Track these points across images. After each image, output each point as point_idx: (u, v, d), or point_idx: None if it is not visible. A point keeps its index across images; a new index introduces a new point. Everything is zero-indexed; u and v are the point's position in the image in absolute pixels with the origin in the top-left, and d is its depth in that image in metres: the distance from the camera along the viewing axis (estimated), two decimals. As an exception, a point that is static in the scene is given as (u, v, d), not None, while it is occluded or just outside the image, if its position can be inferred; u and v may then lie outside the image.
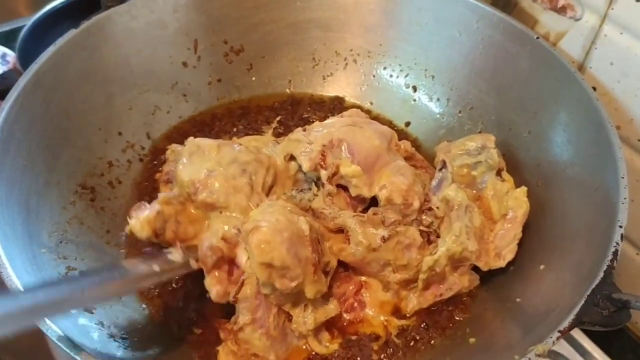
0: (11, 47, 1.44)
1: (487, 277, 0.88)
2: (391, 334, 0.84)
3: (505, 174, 0.92)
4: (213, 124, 1.10)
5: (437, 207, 0.87)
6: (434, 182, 0.91)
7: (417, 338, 0.84)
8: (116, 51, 1.00)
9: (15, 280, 0.67)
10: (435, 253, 0.83)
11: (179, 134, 1.06)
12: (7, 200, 0.77)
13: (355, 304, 0.86)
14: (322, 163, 0.86)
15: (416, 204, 0.86)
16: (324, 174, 0.85)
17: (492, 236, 0.87)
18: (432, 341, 0.83)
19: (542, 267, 0.81)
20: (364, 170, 0.85)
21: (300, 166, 0.88)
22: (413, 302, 0.85)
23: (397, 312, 0.86)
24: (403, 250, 0.84)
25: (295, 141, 0.89)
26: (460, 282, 0.85)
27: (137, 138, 1.03)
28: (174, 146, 0.96)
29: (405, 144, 1.00)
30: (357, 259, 0.84)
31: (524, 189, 0.89)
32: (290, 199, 0.88)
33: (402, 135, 1.09)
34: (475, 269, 0.86)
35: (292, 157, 0.90)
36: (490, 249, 0.86)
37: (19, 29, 1.42)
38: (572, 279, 0.73)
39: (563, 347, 0.94)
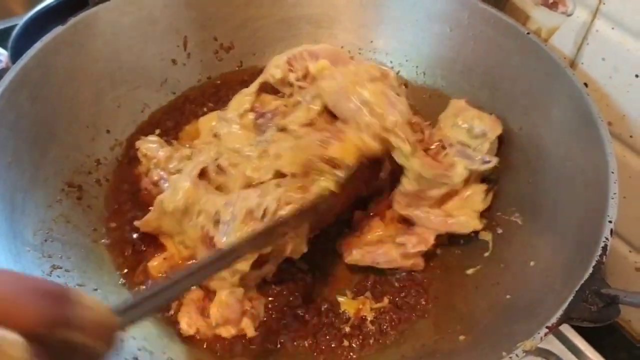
0: (4, 46, 1.43)
1: (478, 274, 0.87)
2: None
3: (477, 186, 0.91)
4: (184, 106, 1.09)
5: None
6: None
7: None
8: (105, 48, 0.99)
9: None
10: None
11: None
12: (-8, 198, 0.77)
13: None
14: (290, 69, 0.94)
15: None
16: (293, 76, 0.91)
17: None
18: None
19: (532, 263, 0.80)
20: (332, 63, 0.93)
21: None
22: None
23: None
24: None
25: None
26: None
27: (126, 136, 1.02)
28: (145, 148, 0.95)
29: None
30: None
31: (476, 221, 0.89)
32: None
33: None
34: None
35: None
36: None
37: (11, 28, 1.41)
38: (562, 275, 0.72)
39: (555, 346, 0.94)
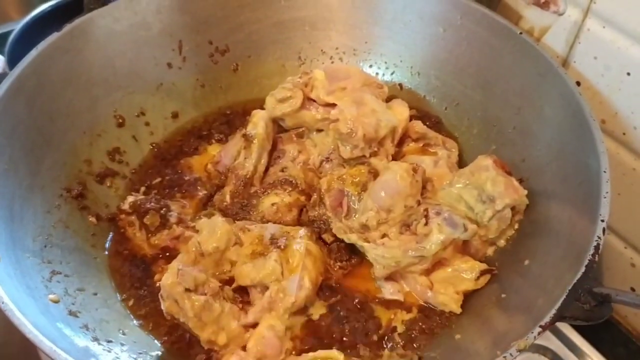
0: (0, 51, 1.44)
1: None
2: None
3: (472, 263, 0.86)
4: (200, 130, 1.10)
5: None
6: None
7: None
8: (100, 54, 1.00)
9: (-3, 285, 0.67)
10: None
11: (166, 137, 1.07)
12: (-10, 205, 0.77)
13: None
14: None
15: (360, 133, 0.92)
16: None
17: None
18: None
19: (526, 262, 0.81)
20: (328, 78, 0.99)
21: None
22: None
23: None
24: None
25: None
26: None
27: (123, 141, 1.02)
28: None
29: (417, 124, 1.02)
30: None
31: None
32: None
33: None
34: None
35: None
36: None
37: (8, 33, 1.42)
38: (555, 274, 0.73)
39: (552, 342, 0.94)
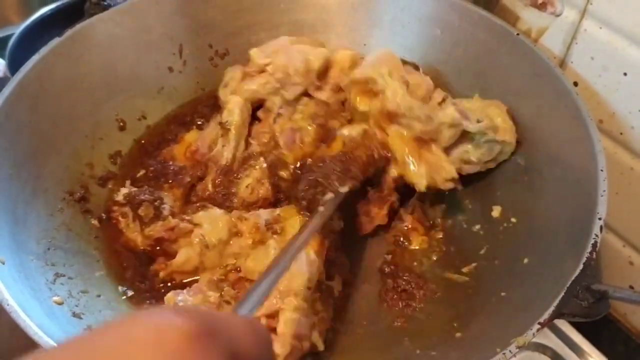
0: (1, 55, 1.44)
1: (474, 271, 0.89)
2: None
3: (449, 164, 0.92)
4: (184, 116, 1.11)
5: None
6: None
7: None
8: (101, 58, 1.01)
9: (3, 289, 0.68)
10: None
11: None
12: (-6, 209, 0.78)
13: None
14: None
15: (292, 71, 0.99)
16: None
17: None
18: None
19: (525, 260, 0.82)
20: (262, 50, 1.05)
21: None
22: None
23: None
24: None
25: None
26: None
27: (124, 144, 1.03)
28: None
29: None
30: None
31: None
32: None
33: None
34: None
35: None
36: None
37: (8, 37, 1.42)
38: (553, 272, 0.74)
39: (551, 340, 0.95)
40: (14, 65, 1.33)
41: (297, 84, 1.00)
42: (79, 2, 1.45)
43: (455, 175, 0.90)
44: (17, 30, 1.41)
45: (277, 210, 0.90)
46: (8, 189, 0.82)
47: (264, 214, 0.89)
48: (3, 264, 0.72)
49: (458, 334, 0.80)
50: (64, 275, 0.82)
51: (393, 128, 0.91)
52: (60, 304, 0.77)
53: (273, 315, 0.80)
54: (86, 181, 0.96)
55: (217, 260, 0.86)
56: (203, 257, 0.85)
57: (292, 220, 0.88)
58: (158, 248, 0.90)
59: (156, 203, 0.92)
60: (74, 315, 0.77)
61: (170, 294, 0.81)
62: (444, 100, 0.94)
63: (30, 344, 0.93)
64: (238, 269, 0.86)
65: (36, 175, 0.88)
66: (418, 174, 0.89)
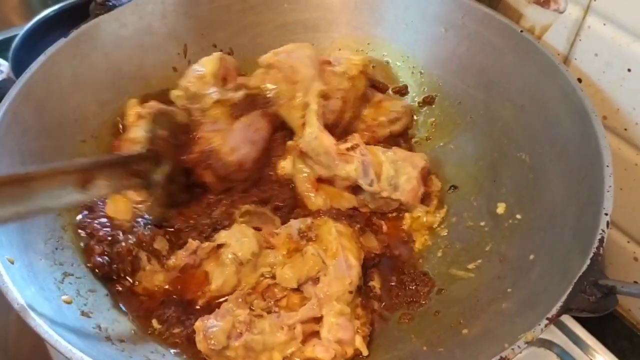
0: (4, 57, 1.45)
1: (480, 269, 0.89)
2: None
3: None
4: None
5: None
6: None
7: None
8: (106, 59, 1.02)
9: (12, 288, 0.68)
10: None
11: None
12: (2, 209, 0.78)
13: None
14: None
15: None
16: None
17: None
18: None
19: (532, 257, 0.82)
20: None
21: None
22: None
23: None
24: None
25: None
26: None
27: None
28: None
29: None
30: None
31: None
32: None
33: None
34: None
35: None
36: None
37: (11, 38, 1.43)
38: (560, 268, 0.74)
39: (557, 336, 0.96)
40: (17, 67, 1.33)
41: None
42: (81, 3, 1.46)
43: (355, 204, 0.99)
44: (20, 31, 1.41)
45: (309, 219, 0.91)
46: (16, 189, 0.82)
47: (296, 224, 0.90)
48: (12, 263, 0.73)
49: (465, 331, 0.80)
50: (72, 275, 0.83)
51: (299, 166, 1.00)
52: (69, 302, 0.77)
53: (317, 321, 0.81)
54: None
55: (253, 273, 0.87)
56: (239, 275, 0.86)
57: (327, 227, 0.89)
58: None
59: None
60: (83, 314, 0.77)
61: (199, 322, 0.80)
62: (353, 147, 0.97)
63: (38, 344, 0.95)
64: (273, 275, 0.86)
65: (43, 176, 0.88)
66: (314, 203, 0.98)
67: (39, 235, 0.83)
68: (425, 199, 1.00)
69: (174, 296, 0.87)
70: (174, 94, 1.02)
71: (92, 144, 0.98)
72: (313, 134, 0.96)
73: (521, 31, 0.96)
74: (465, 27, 1.04)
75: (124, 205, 0.92)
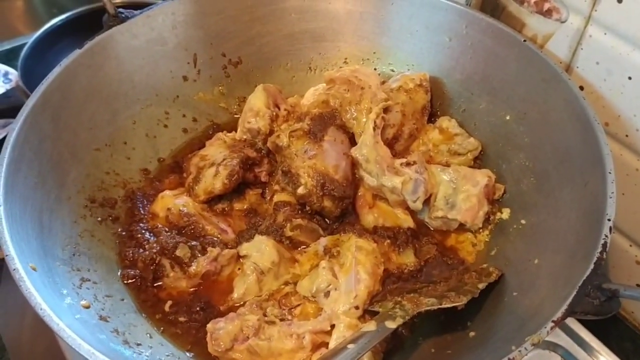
0: (13, 66, 1.47)
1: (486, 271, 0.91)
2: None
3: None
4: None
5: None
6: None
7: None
8: (119, 68, 1.04)
9: (34, 293, 0.70)
10: None
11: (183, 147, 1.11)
12: (21, 217, 0.81)
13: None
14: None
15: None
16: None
17: None
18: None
19: (536, 261, 0.84)
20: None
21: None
22: None
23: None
24: None
25: None
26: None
27: (142, 151, 1.06)
28: None
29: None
30: None
31: None
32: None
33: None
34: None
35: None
36: None
37: (20, 47, 1.46)
38: (564, 272, 0.76)
39: (562, 338, 0.97)
40: (26, 75, 1.36)
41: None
42: (87, 13, 1.49)
43: (411, 225, 0.99)
44: (29, 41, 1.44)
45: (336, 236, 0.95)
46: (34, 197, 0.85)
47: (323, 241, 0.93)
48: (35, 270, 0.75)
49: (472, 333, 0.82)
50: (89, 280, 0.85)
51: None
52: (87, 307, 0.79)
53: (329, 332, 0.83)
54: (106, 188, 0.98)
55: (275, 281, 0.90)
56: (261, 284, 0.89)
57: (349, 243, 0.91)
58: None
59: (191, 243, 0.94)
60: (101, 318, 0.79)
61: (210, 324, 0.83)
62: (409, 164, 0.98)
63: (51, 349, 0.96)
64: (295, 282, 0.90)
65: (60, 184, 0.90)
66: (365, 219, 0.99)
67: (56, 242, 0.85)
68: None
69: (198, 304, 0.89)
70: (240, 137, 1.07)
71: (106, 152, 1.01)
72: (366, 141, 0.97)
73: (524, 40, 0.99)
74: (469, 37, 1.06)
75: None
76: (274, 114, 1.06)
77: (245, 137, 1.07)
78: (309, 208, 0.97)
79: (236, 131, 1.09)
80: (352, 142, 1.02)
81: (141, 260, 0.90)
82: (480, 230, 0.98)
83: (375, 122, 0.98)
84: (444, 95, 1.12)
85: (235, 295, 0.89)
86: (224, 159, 1.00)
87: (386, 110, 1.02)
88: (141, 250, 0.91)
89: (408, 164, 0.97)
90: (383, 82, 1.09)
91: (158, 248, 0.91)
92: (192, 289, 0.91)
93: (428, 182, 0.96)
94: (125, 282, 0.90)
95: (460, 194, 0.96)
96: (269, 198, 1.03)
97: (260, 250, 0.91)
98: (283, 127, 1.05)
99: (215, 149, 1.05)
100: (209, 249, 0.92)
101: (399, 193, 0.95)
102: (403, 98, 1.05)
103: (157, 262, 0.89)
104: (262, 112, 1.05)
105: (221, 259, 0.91)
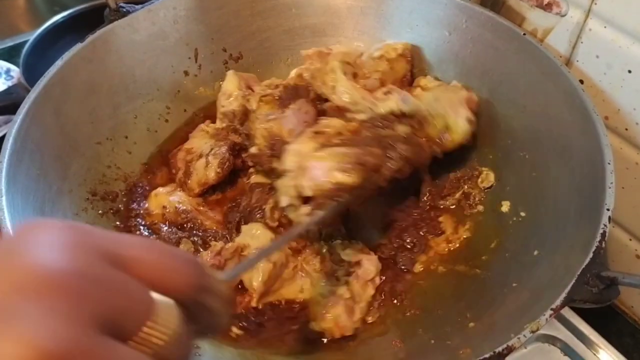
0: (14, 63, 1.48)
1: (485, 264, 0.92)
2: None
3: None
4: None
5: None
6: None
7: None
8: (120, 63, 1.04)
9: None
10: None
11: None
12: (23, 208, 0.81)
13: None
14: None
15: None
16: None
17: None
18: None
19: (536, 252, 0.84)
20: None
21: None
22: None
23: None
24: None
25: None
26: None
27: (144, 146, 1.07)
28: None
29: None
30: None
31: None
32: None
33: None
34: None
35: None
36: None
37: (21, 45, 1.46)
38: (564, 262, 0.76)
39: (561, 332, 0.98)
40: (28, 72, 1.36)
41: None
42: (89, 10, 1.49)
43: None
44: (31, 37, 1.45)
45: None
46: (36, 189, 0.85)
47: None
48: None
49: (471, 324, 0.82)
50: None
51: None
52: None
53: None
54: (108, 182, 0.99)
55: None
56: (282, 270, 0.90)
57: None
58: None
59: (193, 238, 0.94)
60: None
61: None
62: (390, 91, 0.97)
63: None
64: None
65: (61, 176, 0.91)
66: None
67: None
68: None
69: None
70: (220, 125, 1.07)
71: (107, 145, 1.01)
72: (344, 85, 0.96)
73: (524, 34, 0.99)
74: (468, 31, 1.06)
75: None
76: (247, 95, 1.06)
77: (224, 124, 1.06)
78: (260, 168, 0.98)
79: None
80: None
81: None
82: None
83: (341, 69, 0.98)
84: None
85: (255, 284, 0.87)
86: (211, 149, 1.01)
87: (355, 75, 1.02)
88: None
89: (388, 92, 0.97)
90: (361, 54, 1.09)
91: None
92: None
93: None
94: None
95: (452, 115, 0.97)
96: (246, 180, 1.04)
97: (253, 235, 0.91)
98: (257, 91, 1.06)
99: (200, 140, 1.05)
100: (212, 242, 0.92)
101: (397, 110, 0.95)
102: (384, 66, 1.06)
103: None
104: (235, 94, 1.05)
105: (225, 252, 0.90)
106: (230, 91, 1.06)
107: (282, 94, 1.03)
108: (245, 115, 1.05)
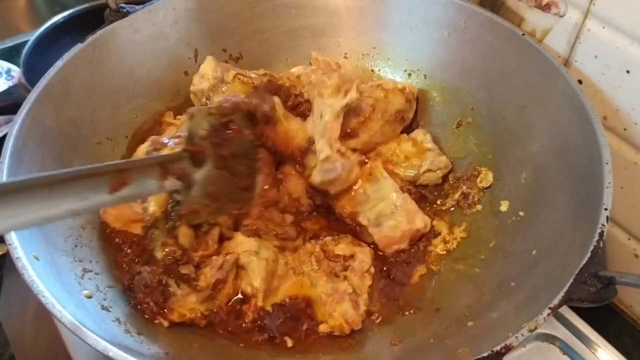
0: (15, 62, 1.49)
1: (483, 263, 0.92)
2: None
3: None
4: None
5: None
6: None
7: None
8: (120, 63, 1.05)
9: (37, 281, 0.71)
10: None
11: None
12: (24, 207, 0.81)
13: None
14: None
15: None
16: None
17: None
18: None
19: (534, 252, 0.85)
20: None
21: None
22: None
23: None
24: None
25: None
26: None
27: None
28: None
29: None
30: None
31: None
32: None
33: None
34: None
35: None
36: None
37: (22, 45, 1.47)
38: (562, 261, 0.76)
39: (560, 331, 0.98)
40: (28, 72, 1.37)
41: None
42: (89, 10, 1.50)
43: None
44: (31, 38, 1.45)
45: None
46: (37, 189, 0.85)
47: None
48: (37, 259, 0.75)
49: (470, 323, 0.82)
50: (91, 271, 0.85)
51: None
52: (89, 297, 0.80)
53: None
54: (108, 182, 0.99)
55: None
56: (275, 266, 0.90)
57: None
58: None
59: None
60: (103, 308, 0.80)
61: None
62: (358, 155, 1.00)
63: (54, 343, 0.97)
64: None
65: (62, 176, 0.91)
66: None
67: (59, 233, 0.86)
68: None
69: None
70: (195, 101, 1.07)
71: (107, 145, 1.01)
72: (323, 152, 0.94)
73: (522, 35, 0.99)
74: (467, 31, 1.06)
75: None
76: (221, 76, 1.05)
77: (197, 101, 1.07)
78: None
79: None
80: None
81: (146, 286, 0.86)
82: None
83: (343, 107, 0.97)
84: (442, 90, 1.13)
85: (255, 284, 0.88)
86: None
87: (357, 109, 1.02)
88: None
89: (353, 152, 0.98)
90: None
91: (162, 269, 0.87)
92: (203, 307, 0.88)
93: (381, 195, 0.98)
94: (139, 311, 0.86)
95: (393, 221, 0.96)
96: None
97: (239, 243, 0.91)
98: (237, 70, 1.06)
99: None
100: (213, 258, 0.89)
101: (310, 141, 0.96)
102: (378, 94, 1.05)
103: (163, 282, 0.85)
104: (208, 75, 1.05)
105: (226, 265, 0.88)
106: (205, 72, 1.06)
107: (261, 85, 1.03)
108: (213, 91, 1.05)
